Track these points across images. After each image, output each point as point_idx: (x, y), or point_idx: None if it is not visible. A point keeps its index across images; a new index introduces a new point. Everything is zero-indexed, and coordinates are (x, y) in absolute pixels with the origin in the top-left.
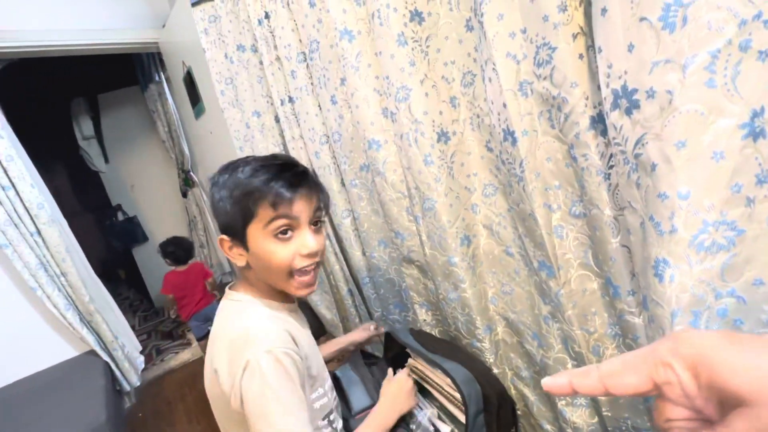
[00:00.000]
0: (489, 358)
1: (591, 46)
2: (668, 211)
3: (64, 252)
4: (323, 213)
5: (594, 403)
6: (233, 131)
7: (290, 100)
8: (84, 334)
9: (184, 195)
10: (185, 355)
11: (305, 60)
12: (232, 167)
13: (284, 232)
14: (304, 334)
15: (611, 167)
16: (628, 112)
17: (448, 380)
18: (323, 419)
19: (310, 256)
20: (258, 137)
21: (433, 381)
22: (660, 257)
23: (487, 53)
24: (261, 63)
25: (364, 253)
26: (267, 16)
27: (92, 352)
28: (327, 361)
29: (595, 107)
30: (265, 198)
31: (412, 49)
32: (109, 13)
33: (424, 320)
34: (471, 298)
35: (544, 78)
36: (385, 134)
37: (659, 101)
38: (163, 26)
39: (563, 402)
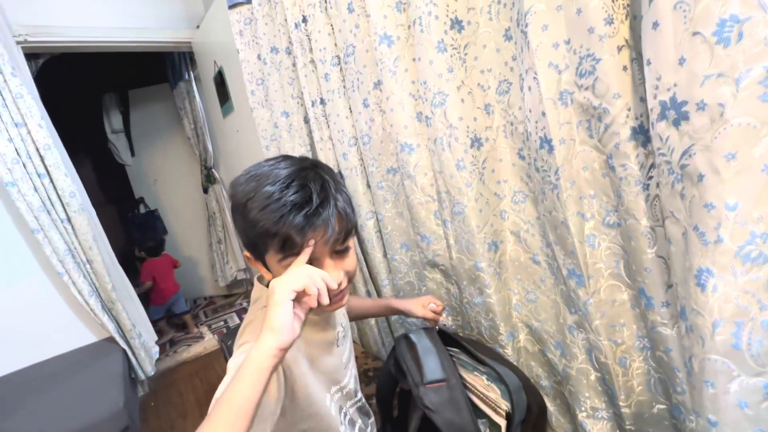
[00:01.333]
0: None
1: (635, 59)
2: (714, 222)
3: (91, 240)
4: (347, 239)
5: (617, 417)
6: (261, 130)
7: (321, 101)
8: (105, 320)
9: (205, 191)
10: (198, 348)
11: (339, 63)
12: (245, 187)
13: None
14: (320, 338)
15: (650, 178)
16: (676, 123)
17: (486, 382)
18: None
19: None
20: (285, 137)
21: (468, 382)
22: (704, 267)
23: (529, 62)
24: (294, 65)
25: (385, 255)
26: (304, 20)
27: (111, 339)
28: (364, 316)
29: (636, 118)
30: (273, 241)
31: (451, 56)
32: (146, 13)
33: (444, 324)
34: (495, 304)
35: (586, 88)
36: (418, 138)
37: (710, 113)
38: (197, 27)
39: (584, 414)
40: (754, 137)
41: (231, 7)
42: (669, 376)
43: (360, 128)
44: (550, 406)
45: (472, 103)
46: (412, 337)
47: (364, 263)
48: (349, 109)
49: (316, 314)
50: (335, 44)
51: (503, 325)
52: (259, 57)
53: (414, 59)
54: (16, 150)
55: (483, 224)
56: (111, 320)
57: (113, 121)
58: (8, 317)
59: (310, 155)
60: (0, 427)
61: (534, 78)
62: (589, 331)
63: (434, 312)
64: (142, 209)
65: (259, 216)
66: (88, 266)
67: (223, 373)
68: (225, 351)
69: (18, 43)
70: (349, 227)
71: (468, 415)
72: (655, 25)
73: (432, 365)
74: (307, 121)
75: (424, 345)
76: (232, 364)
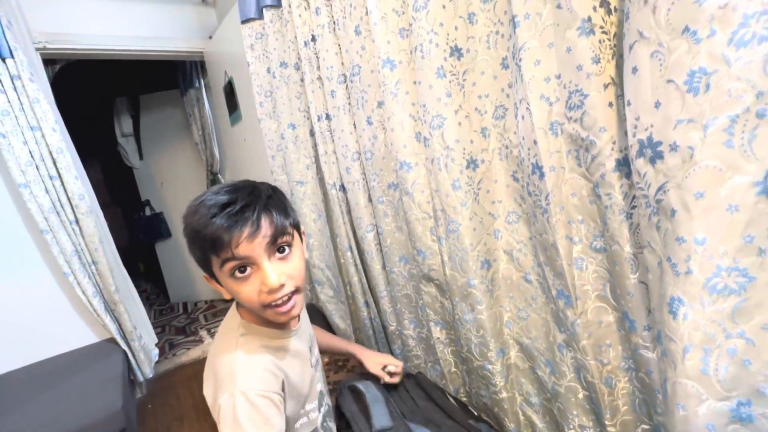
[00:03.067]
0: (499, 382)
1: (621, 95)
2: (685, 254)
3: (97, 242)
4: (287, 236)
5: None
6: (267, 141)
7: (327, 117)
8: (107, 321)
9: None
10: (196, 352)
11: (345, 81)
12: (191, 204)
13: (241, 271)
14: (297, 358)
15: (633, 207)
16: (652, 161)
17: None
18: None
19: (273, 291)
20: (291, 148)
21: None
22: (675, 296)
23: (522, 93)
24: (302, 80)
25: (384, 268)
26: (313, 39)
27: (112, 340)
28: (325, 349)
29: (621, 151)
30: (205, 244)
31: (450, 81)
32: (161, 23)
33: (438, 338)
34: (486, 321)
35: (575, 120)
36: (417, 157)
37: (681, 155)
38: (210, 37)
39: (572, 431)
40: (720, 179)
41: (244, 22)
42: (651, 397)
43: (363, 144)
44: (539, 423)
45: (469, 127)
46: (359, 386)
47: (363, 274)
48: (354, 125)
49: (284, 335)
50: (342, 63)
51: (493, 341)
52: (268, 70)
53: (414, 82)
54: (30, 153)
55: (476, 242)
56: (113, 321)
57: (123, 124)
58: (13, 315)
59: (314, 167)
60: (2, 423)
61: (527, 108)
62: (576, 350)
63: (391, 374)
64: (148, 212)
65: (193, 221)
66: (93, 267)
67: None
68: None
69: (37, 49)
70: (282, 228)
71: None
72: (635, 70)
73: (380, 414)
74: (312, 134)
75: (373, 394)
76: (245, 416)
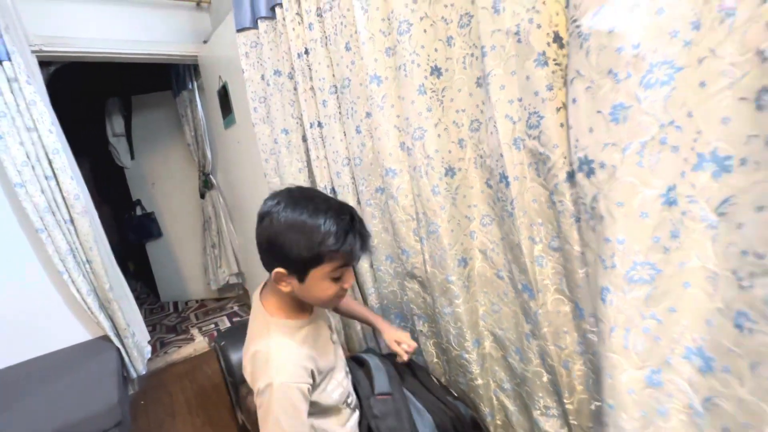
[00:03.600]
0: (475, 370)
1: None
2: (610, 252)
3: (92, 241)
4: None
5: (564, 414)
6: (261, 144)
7: (319, 124)
8: (101, 319)
9: (202, 196)
10: (188, 350)
11: (336, 92)
12: (290, 204)
13: (338, 275)
14: (320, 340)
15: (580, 213)
16: (588, 175)
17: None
18: (343, 403)
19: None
20: (284, 152)
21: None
22: (604, 285)
23: (490, 112)
24: (295, 89)
25: (371, 266)
26: (306, 52)
27: (105, 338)
28: (349, 315)
29: (570, 165)
30: (338, 254)
31: (430, 97)
32: (156, 27)
33: (421, 331)
34: (463, 314)
35: (534, 138)
36: (401, 165)
37: (608, 171)
38: (204, 42)
39: (538, 412)
40: (635, 191)
41: (239, 30)
42: (600, 376)
43: (352, 151)
44: (511, 406)
45: (448, 138)
46: (363, 356)
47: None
48: (344, 133)
49: (310, 318)
50: (333, 75)
51: (470, 332)
52: (262, 77)
53: (399, 97)
54: (26, 153)
55: (454, 242)
56: (107, 319)
57: (115, 124)
58: (7, 312)
59: (306, 171)
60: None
61: (494, 126)
62: (539, 337)
63: (406, 351)
64: (139, 211)
65: (324, 230)
66: (87, 266)
67: (212, 374)
68: (218, 352)
69: (33, 52)
70: None
71: (408, 425)
72: (574, 100)
73: (381, 381)
74: (305, 139)
75: (375, 363)
76: (280, 416)
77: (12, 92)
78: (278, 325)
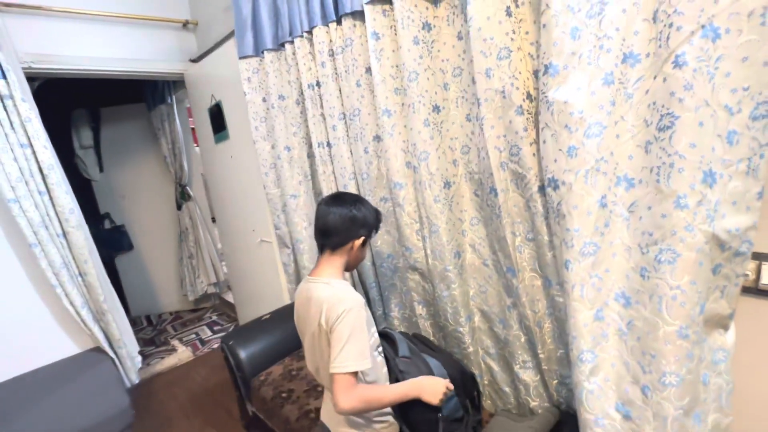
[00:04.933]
0: (468, 340)
1: (538, 151)
2: (570, 237)
3: (87, 254)
4: None
5: (538, 364)
6: (261, 159)
7: (328, 144)
8: (95, 331)
9: (179, 207)
10: (172, 360)
11: (344, 119)
12: (365, 200)
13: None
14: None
15: (547, 213)
16: (555, 189)
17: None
18: (375, 350)
19: None
20: (286, 167)
21: None
22: (567, 258)
23: (483, 144)
24: (302, 113)
25: (373, 263)
26: (318, 84)
27: (97, 349)
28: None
29: (541, 181)
30: (376, 228)
31: (432, 128)
32: (142, 46)
33: (420, 314)
34: (458, 296)
35: (515, 162)
36: (407, 179)
37: (567, 186)
38: (191, 60)
39: (518, 366)
40: (583, 199)
41: (242, 57)
42: (562, 331)
43: (359, 167)
44: (496, 367)
45: (445, 159)
46: (386, 330)
47: (355, 270)
48: (350, 152)
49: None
50: (342, 104)
51: (463, 310)
52: (264, 100)
53: (405, 126)
54: (20, 169)
55: (450, 239)
56: (100, 331)
57: (83, 136)
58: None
59: (306, 183)
60: (12, 427)
61: (486, 153)
62: (519, 306)
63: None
64: (107, 224)
65: (376, 214)
66: (80, 279)
67: (202, 380)
68: (226, 351)
69: (23, 69)
70: None
71: (427, 371)
72: (544, 141)
73: (403, 347)
74: (310, 156)
75: (397, 335)
76: (355, 328)
77: (5, 109)
78: (339, 281)
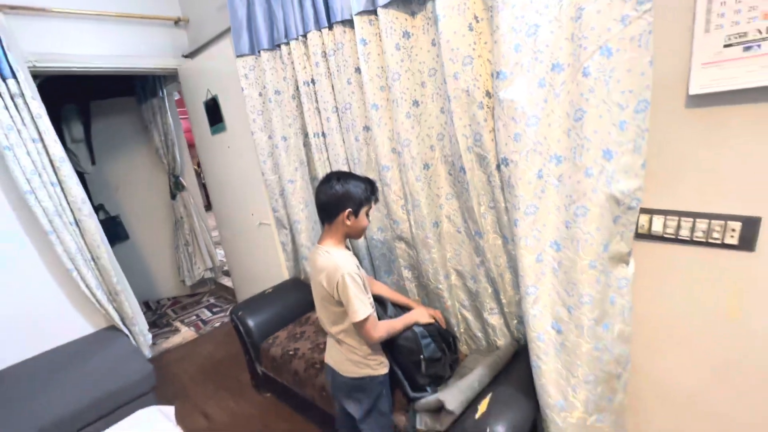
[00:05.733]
0: (446, 295)
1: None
2: (517, 201)
3: (99, 240)
4: None
5: (501, 310)
6: (259, 149)
7: (323, 134)
8: (109, 310)
9: (173, 197)
10: (176, 339)
11: (337, 111)
12: (354, 176)
13: (368, 214)
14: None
15: (503, 185)
16: (506, 165)
17: None
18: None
19: None
20: (283, 155)
21: None
22: (515, 218)
23: (452, 132)
24: (298, 107)
25: (365, 237)
26: (313, 82)
27: (111, 328)
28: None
29: (497, 161)
30: (371, 199)
31: (412, 119)
32: (138, 43)
33: (407, 277)
34: (437, 259)
35: (478, 146)
36: (392, 162)
37: (514, 164)
38: (184, 56)
39: (486, 313)
40: (525, 173)
41: (239, 56)
42: (516, 271)
43: (351, 153)
44: (469, 316)
45: (424, 145)
46: (378, 295)
47: (349, 242)
48: (343, 140)
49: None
50: (335, 99)
51: (441, 270)
52: (260, 94)
53: (390, 118)
54: (33, 162)
55: (430, 212)
56: (114, 310)
57: (73, 130)
58: (19, 311)
59: (306, 169)
60: (44, 397)
61: (456, 140)
62: (486, 262)
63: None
64: (102, 216)
65: (367, 186)
66: (93, 263)
67: (208, 354)
68: (236, 320)
69: (28, 68)
70: None
71: (411, 333)
72: (498, 130)
73: (390, 308)
74: (305, 144)
75: (386, 299)
76: (353, 288)
77: (17, 107)
78: (337, 249)
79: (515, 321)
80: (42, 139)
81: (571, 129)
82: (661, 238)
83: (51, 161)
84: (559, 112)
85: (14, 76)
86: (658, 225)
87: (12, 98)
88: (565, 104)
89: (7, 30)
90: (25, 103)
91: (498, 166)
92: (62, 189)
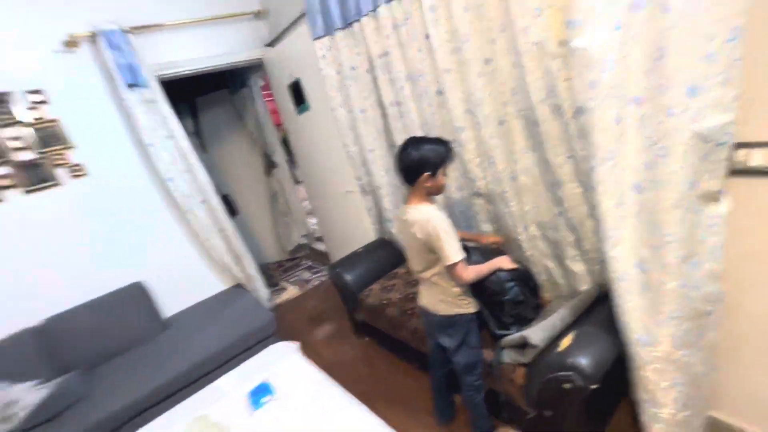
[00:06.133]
0: (526, 246)
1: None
2: (594, 148)
3: (222, 215)
4: None
5: (583, 256)
6: (341, 123)
7: (398, 103)
8: (236, 272)
9: (268, 173)
10: (286, 296)
11: (410, 79)
12: (428, 140)
13: (445, 173)
14: None
15: (580, 134)
16: (582, 114)
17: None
18: None
19: None
20: (362, 126)
21: None
22: (592, 165)
23: (525, 86)
24: (374, 80)
25: (444, 196)
26: (386, 54)
27: (237, 286)
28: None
29: (573, 110)
30: (448, 159)
31: (484, 78)
32: (228, 40)
33: (486, 231)
34: (516, 212)
35: (552, 97)
36: (466, 123)
37: (591, 111)
38: (267, 45)
39: (568, 261)
40: (602, 118)
41: (316, 38)
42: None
43: (425, 118)
44: (550, 264)
45: (497, 102)
46: (463, 242)
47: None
48: (417, 107)
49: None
50: (407, 68)
51: (520, 223)
52: (337, 72)
53: (462, 80)
54: (170, 155)
55: (506, 167)
56: (240, 271)
57: (187, 125)
58: (172, 273)
59: (380, 138)
60: (197, 339)
61: (529, 93)
62: (565, 212)
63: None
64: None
65: (447, 149)
66: (220, 234)
67: (312, 307)
68: (335, 275)
69: (155, 77)
70: None
71: (495, 277)
72: (572, 79)
73: (476, 255)
74: (382, 115)
75: (470, 247)
76: (444, 235)
77: (153, 111)
78: (423, 205)
79: (597, 267)
80: (173, 136)
81: (651, 69)
82: (762, 173)
83: (182, 154)
84: (636, 54)
85: (149, 85)
86: (758, 158)
87: (149, 104)
88: (644, 44)
89: (137, 47)
90: (158, 107)
91: (574, 115)
92: (192, 175)
